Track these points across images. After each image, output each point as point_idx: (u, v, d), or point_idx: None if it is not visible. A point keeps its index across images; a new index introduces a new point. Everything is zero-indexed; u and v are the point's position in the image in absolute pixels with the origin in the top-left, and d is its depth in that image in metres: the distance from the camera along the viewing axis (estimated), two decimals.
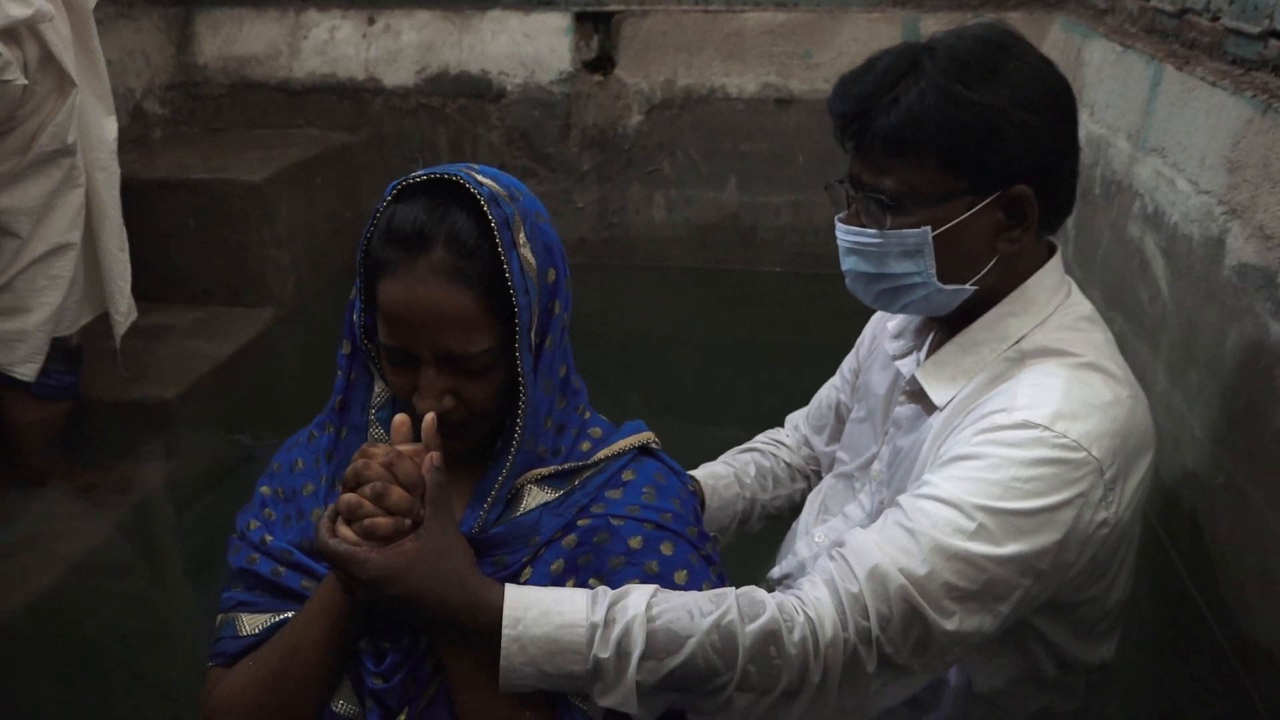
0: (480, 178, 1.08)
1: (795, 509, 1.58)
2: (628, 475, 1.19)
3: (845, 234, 1.22)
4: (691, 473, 1.49)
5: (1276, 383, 1.45)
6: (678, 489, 1.20)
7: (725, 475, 1.56)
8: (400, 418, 1.08)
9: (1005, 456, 1.07)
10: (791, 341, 2.98)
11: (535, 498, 1.15)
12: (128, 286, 2.30)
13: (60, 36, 1.99)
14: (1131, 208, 2.16)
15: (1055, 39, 3.01)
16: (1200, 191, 1.82)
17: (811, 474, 1.61)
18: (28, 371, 2.14)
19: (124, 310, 2.30)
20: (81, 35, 2.12)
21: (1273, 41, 1.77)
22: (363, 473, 1.02)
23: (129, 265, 2.29)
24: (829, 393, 1.59)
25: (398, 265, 1.05)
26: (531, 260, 1.09)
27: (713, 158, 3.25)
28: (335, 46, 3.29)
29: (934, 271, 1.17)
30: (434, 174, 1.07)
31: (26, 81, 1.92)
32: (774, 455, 1.62)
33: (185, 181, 2.80)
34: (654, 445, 1.25)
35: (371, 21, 3.29)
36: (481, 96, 3.27)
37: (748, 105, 3.19)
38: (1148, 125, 2.14)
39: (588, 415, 1.25)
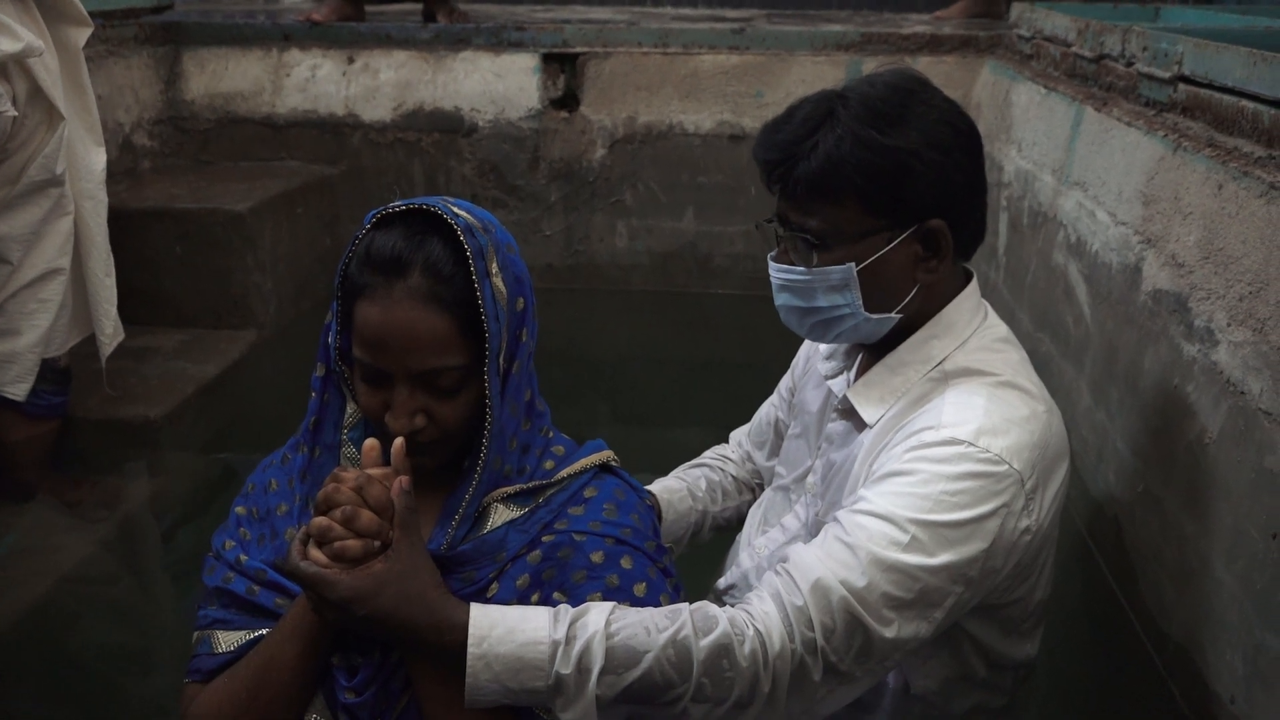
0: (456, 209, 1.08)
1: (743, 520, 1.58)
2: (589, 492, 1.18)
3: (777, 272, 1.23)
4: (649, 488, 1.48)
5: (1188, 399, 1.47)
6: (636, 504, 1.20)
7: (679, 490, 1.55)
8: (370, 442, 1.07)
9: (934, 472, 1.08)
10: (743, 360, 2.98)
11: (501, 515, 1.14)
12: (113, 310, 2.25)
13: (49, 71, 1.95)
14: (1056, 237, 2.18)
15: (985, 81, 3.05)
16: (1118, 223, 1.84)
17: (755, 487, 1.62)
18: (19, 391, 2.09)
19: (109, 332, 2.25)
20: (71, 70, 2.08)
21: (1182, 86, 1.80)
22: (333, 497, 1.01)
23: (115, 290, 2.24)
24: (768, 410, 1.60)
25: (376, 288, 1.04)
26: (503, 289, 1.09)
27: (671, 189, 3.25)
28: (316, 84, 3.26)
29: (861, 303, 1.19)
30: (412, 204, 1.07)
31: (16, 114, 1.87)
32: (722, 470, 1.62)
33: (172, 210, 2.75)
34: (613, 463, 1.24)
35: (351, 61, 3.26)
36: (454, 131, 3.24)
37: (704, 141, 3.20)
38: (1070, 161, 2.16)
39: (551, 435, 1.24)
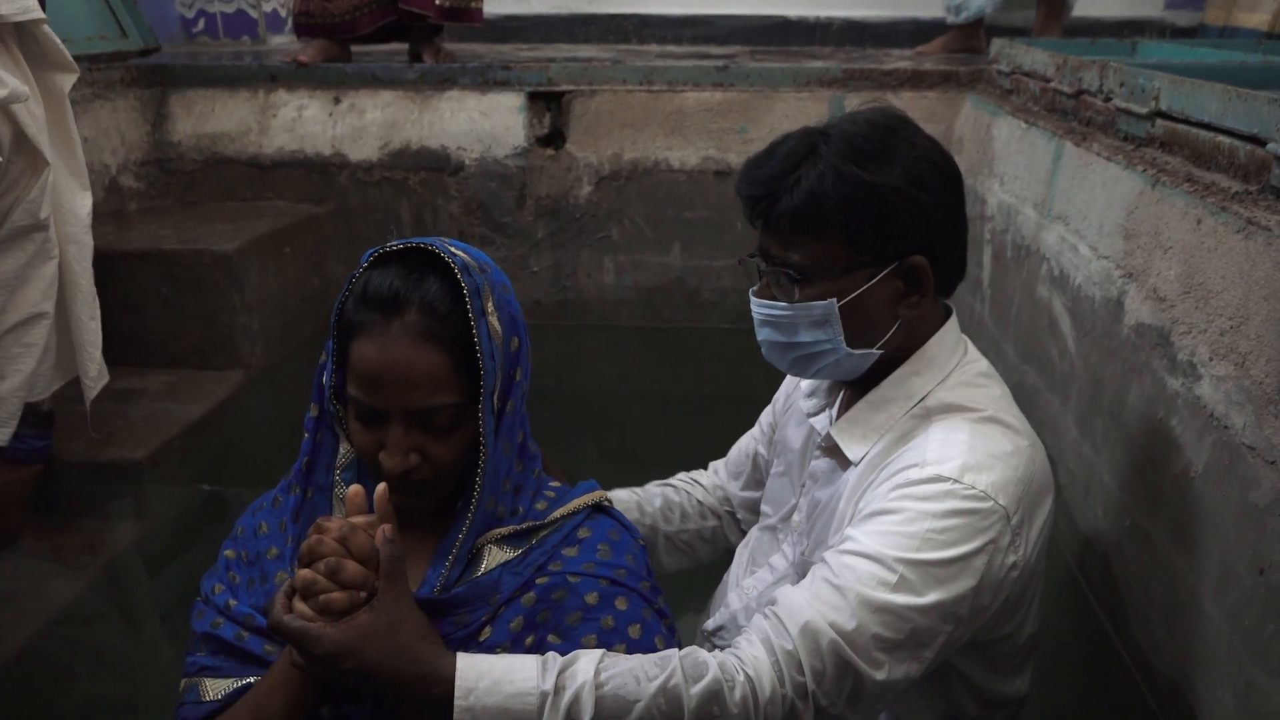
0: (453, 249, 1.09)
1: (705, 544, 1.58)
2: (583, 533, 1.18)
3: (758, 307, 1.24)
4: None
5: (1172, 433, 1.47)
6: (630, 545, 1.20)
7: (627, 500, 1.55)
8: (355, 489, 1.07)
9: (920, 510, 1.08)
10: (732, 394, 2.98)
11: (495, 557, 1.14)
12: (98, 353, 2.24)
13: (35, 118, 1.96)
14: (1040, 270, 2.20)
15: (967, 115, 3.08)
16: (1100, 256, 1.86)
17: (724, 514, 1.61)
18: (1, 436, 2.07)
19: (94, 375, 2.23)
20: (56, 116, 2.09)
21: (1159, 121, 1.82)
22: (316, 548, 1.00)
23: (100, 332, 2.24)
24: (747, 443, 1.60)
25: (372, 326, 1.05)
26: (498, 328, 1.10)
27: (658, 225, 3.27)
28: (303, 124, 3.27)
29: (843, 339, 1.19)
30: (409, 244, 1.08)
31: (1, 159, 1.87)
32: (687, 492, 1.62)
33: (158, 252, 2.75)
34: (606, 503, 1.24)
35: (338, 101, 3.28)
36: (441, 170, 3.26)
37: (689, 177, 3.22)
38: (1051, 195, 2.19)
39: (539, 475, 1.24)
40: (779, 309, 1.20)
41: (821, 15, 4.64)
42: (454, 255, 1.08)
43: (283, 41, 4.64)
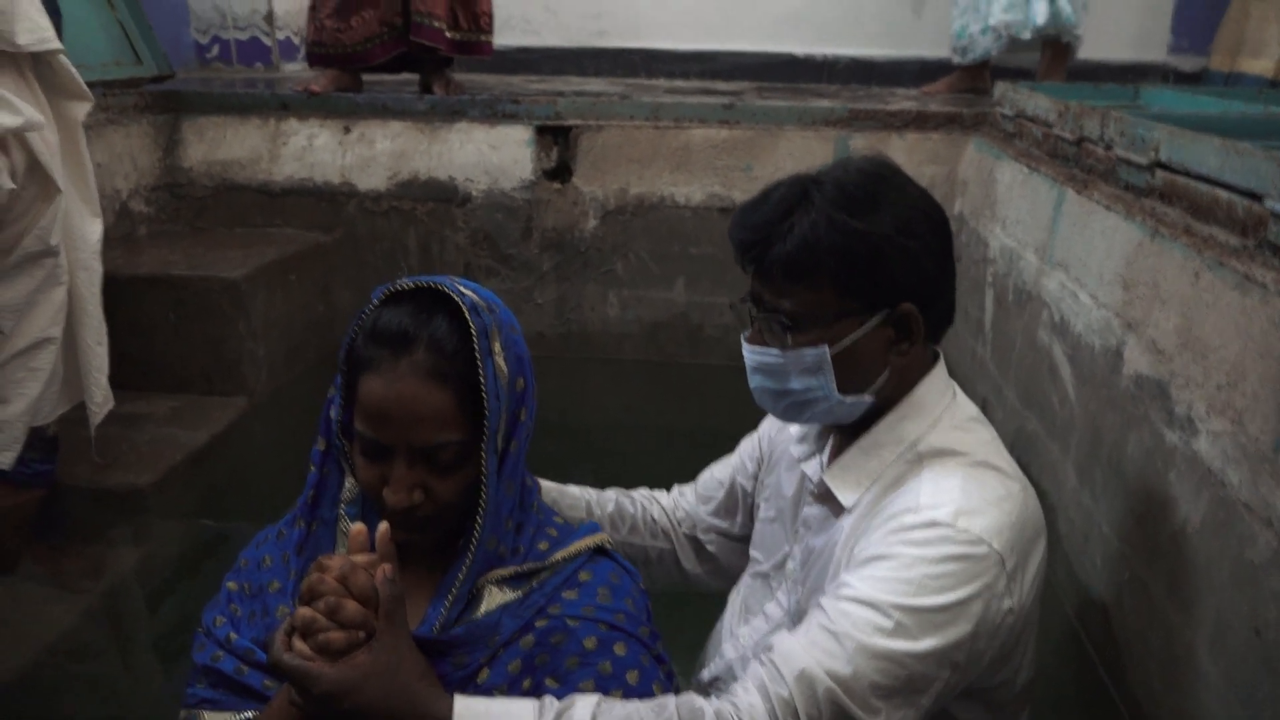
0: (462, 288, 1.11)
1: (649, 565, 1.57)
2: (584, 576, 1.20)
3: (751, 353, 1.26)
4: (544, 482, 1.45)
5: (1170, 487, 1.48)
6: (630, 588, 1.21)
7: (578, 497, 1.55)
8: (357, 527, 1.08)
9: (916, 555, 1.09)
10: (731, 429, 2.97)
11: (495, 599, 1.15)
12: (104, 379, 2.25)
13: (48, 145, 1.98)
14: (1041, 316, 2.22)
15: (970, 158, 3.11)
16: (1100, 305, 1.87)
17: (679, 537, 1.60)
18: (5, 460, 2.08)
19: (99, 401, 2.25)
20: (70, 143, 2.11)
21: (1159, 172, 1.84)
22: (317, 587, 1.01)
23: (106, 358, 2.25)
24: (722, 470, 1.59)
25: (381, 363, 1.07)
26: (504, 368, 1.12)
27: (663, 260, 3.29)
28: (313, 153, 3.31)
29: (834, 385, 1.21)
30: (419, 282, 1.10)
31: (14, 186, 1.90)
32: (643, 506, 1.61)
33: (167, 277, 2.77)
34: (607, 546, 1.25)
35: (348, 130, 3.32)
36: (449, 201, 3.29)
37: (694, 213, 3.25)
38: (1053, 242, 2.21)
39: (541, 513, 1.26)
40: (771, 355, 1.21)
41: (828, 53, 4.69)
42: (463, 295, 1.10)
43: (295, 69, 4.69)
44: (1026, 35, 3.79)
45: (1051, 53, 3.87)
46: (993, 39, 3.88)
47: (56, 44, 1.92)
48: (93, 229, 2.20)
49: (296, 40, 4.74)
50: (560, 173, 3.29)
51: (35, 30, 1.84)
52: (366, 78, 3.57)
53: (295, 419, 3.03)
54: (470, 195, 3.28)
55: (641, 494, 1.65)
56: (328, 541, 1.24)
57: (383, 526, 1.06)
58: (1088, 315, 1.93)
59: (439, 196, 3.29)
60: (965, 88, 4.17)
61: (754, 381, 1.27)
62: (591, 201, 3.27)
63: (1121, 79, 4.49)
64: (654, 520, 1.60)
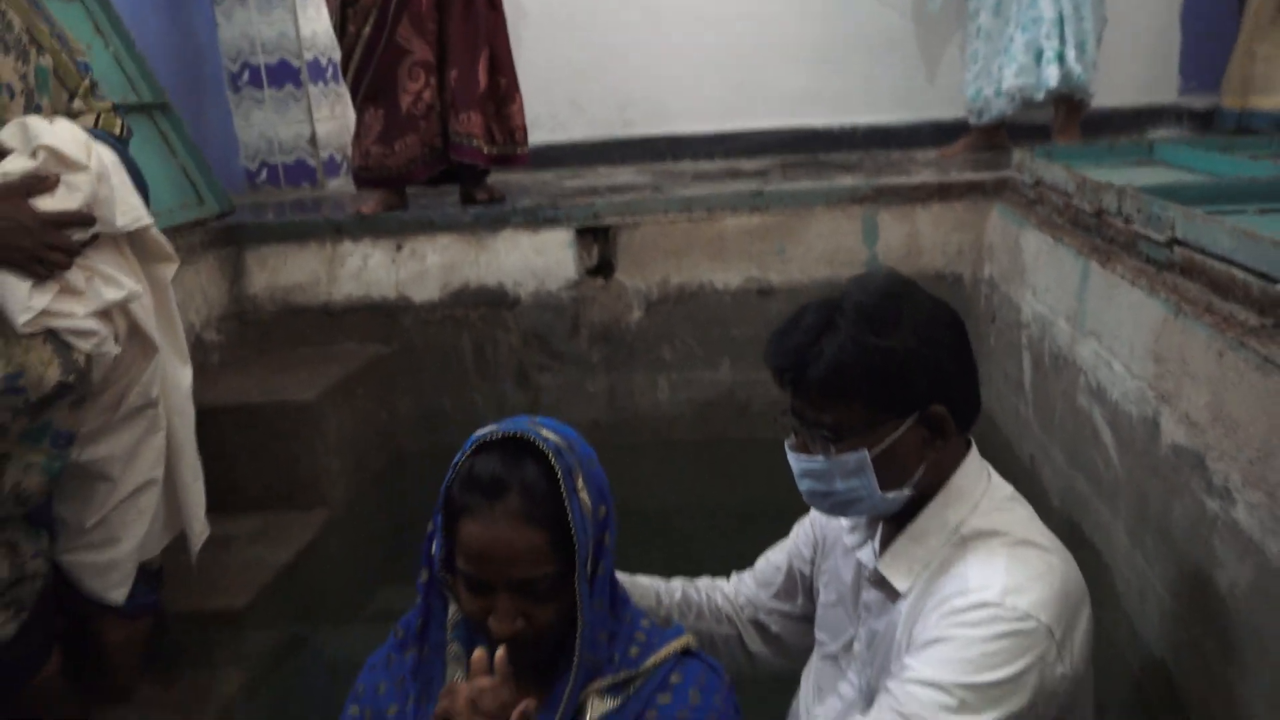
0: (545, 432, 1.27)
1: (714, 649, 1.69)
2: (674, 679, 1.33)
3: (797, 461, 1.40)
4: (617, 573, 1.58)
5: (1215, 552, 1.56)
6: (718, 686, 1.35)
7: (646, 587, 1.69)
8: (480, 654, 1.21)
9: (971, 636, 1.21)
10: (781, 504, 3.07)
11: (597, 709, 1.28)
12: (202, 512, 2.41)
13: (145, 309, 2.16)
14: (1078, 381, 2.31)
15: (995, 224, 3.23)
16: (1134, 376, 1.97)
17: (743, 623, 1.72)
18: (118, 596, 2.23)
19: (198, 532, 2.40)
20: (160, 301, 2.29)
21: (1178, 248, 1.94)
22: (450, 712, 1.14)
23: (203, 492, 2.41)
24: (779, 556, 1.72)
25: (478, 508, 1.22)
26: (588, 502, 1.26)
27: (707, 344, 3.43)
28: (368, 271, 3.50)
29: (876, 484, 1.35)
30: (507, 431, 1.25)
31: (119, 350, 2.07)
32: (707, 595, 1.75)
33: (245, 406, 2.95)
34: (693, 647, 1.38)
35: (399, 248, 3.51)
36: (499, 305, 3.46)
37: (733, 297, 3.39)
38: (1082, 311, 2.31)
39: (630, 619, 1.39)
40: (815, 463, 1.35)
41: (846, 124, 4.85)
42: (546, 440, 1.24)
43: (339, 184, 4.93)
44: (1040, 97, 3.92)
45: (1065, 109, 3.99)
46: (1007, 101, 4.01)
47: (148, 219, 2.10)
48: (184, 376, 2.37)
49: (339, 157, 4.99)
50: (603, 269, 3.45)
51: (130, 212, 2.03)
52: (410, 189, 3.77)
53: (370, 526, 3.19)
54: (519, 298, 3.45)
55: (704, 582, 1.77)
56: (439, 665, 1.38)
57: (500, 652, 1.20)
58: (1123, 385, 2.02)
59: (489, 302, 3.46)
60: (982, 146, 4.31)
61: (802, 485, 1.41)
62: (634, 294, 3.42)
63: (1135, 124, 4.61)
64: (718, 607, 1.73)
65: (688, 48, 4.88)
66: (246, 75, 4.87)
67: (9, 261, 1.85)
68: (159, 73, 3.55)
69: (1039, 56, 3.90)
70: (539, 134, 4.75)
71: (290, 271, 3.55)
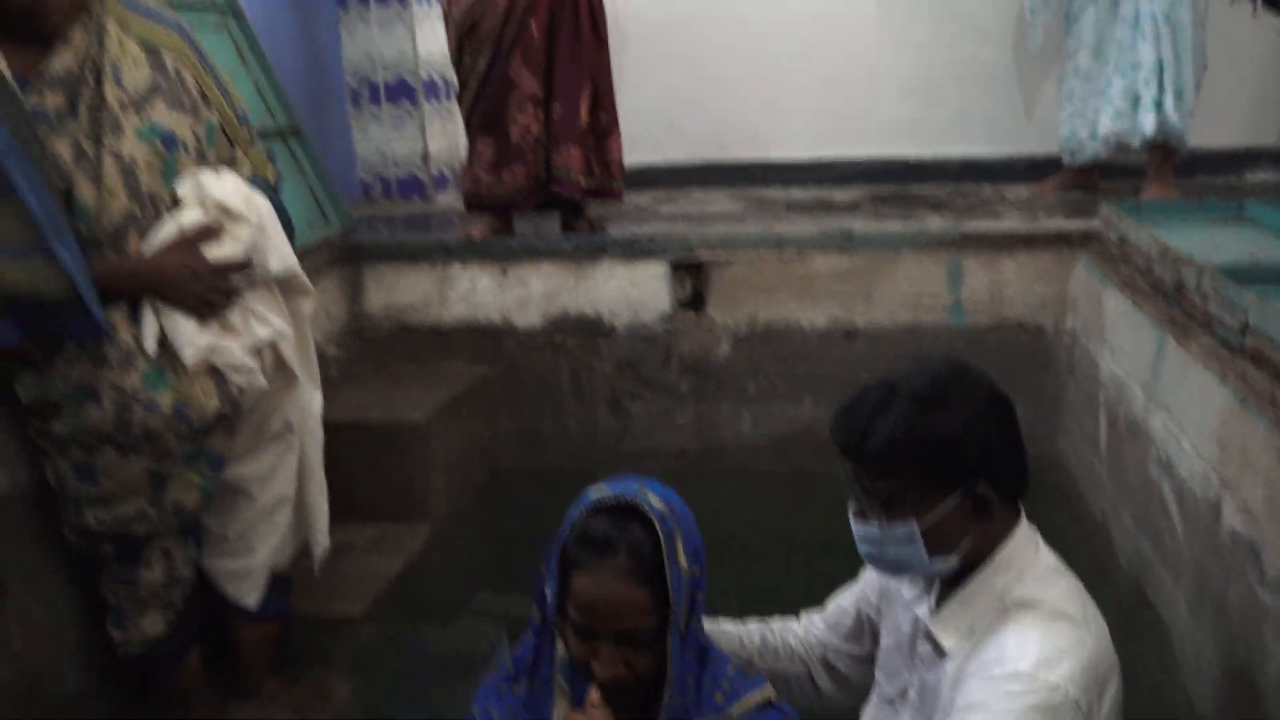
0: (651, 497, 1.46)
1: (787, 685, 1.86)
2: None
3: (856, 527, 1.58)
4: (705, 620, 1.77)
5: (1267, 643, 1.67)
6: None
7: (731, 633, 1.87)
8: (595, 694, 1.42)
9: (1006, 707, 1.39)
10: (852, 539, 3.22)
11: None
12: (325, 525, 2.66)
13: (288, 344, 2.41)
14: (1149, 452, 2.40)
15: (1079, 277, 3.30)
16: (1200, 457, 2.06)
17: (813, 661, 1.89)
18: (252, 600, 2.50)
19: (322, 545, 2.66)
20: (299, 333, 2.53)
21: (1249, 335, 2.02)
22: None
23: (327, 508, 2.67)
24: (848, 599, 1.89)
25: (589, 564, 1.43)
26: (684, 564, 1.46)
27: (791, 380, 3.58)
28: (476, 295, 3.74)
29: (924, 553, 1.51)
30: (618, 496, 1.45)
31: (266, 384, 2.32)
32: (781, 636, 1.94)
33: (363, 423, 3.20)
34: (773, 700, 1.57)
35: (505, 273, 3.73)
36: (595, 334, 3.66)
37: (819, 336, 3.53)
38: (1156, 383, 2.39)
39: (716, 665, 1.59)
40: (871, 529, 1.53)
41: (939, 155, 4.91)
42: (653, 506, 1.44)
43: (447, 198, 5.19)
44: (1135, 144, 3.94)
45: (1160, 156, 4.00)
46: (1101, 145, 4.04)
47: (296, 265, 2.35)
48: (316, 401, 2.62)
49: (448, 173, 5.25)
50: (695, 303, 3.63)
51: (283, 259, 2.27)
52: (516, 214, 3.99)
53: (472, 540, 3.43)
54: (614, 328, 3.65)
55: (778, 624, 1.96)
56: (548, 697, 1.60)
57: (594, 693, 1.41)
58: (1190, 463, 2.11)
59: (586, 330, 3.67)
60: (1074, 186, 4.34)
61: (861, 549, 1.59)
62: (724, 329, 3.59)
63: (1232, 166, 4.59)
64: (791, 648, 1.92)
65: (784, 76, 5.00)
66: (367, 92, 5.15)
67: (181, 304, 2.11)
68: (289, 89, 3.81)
69: (1136, 103, 3.91)
70: (637, 155, 4.92)
71: (404, 291, 3.81)
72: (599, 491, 1.48)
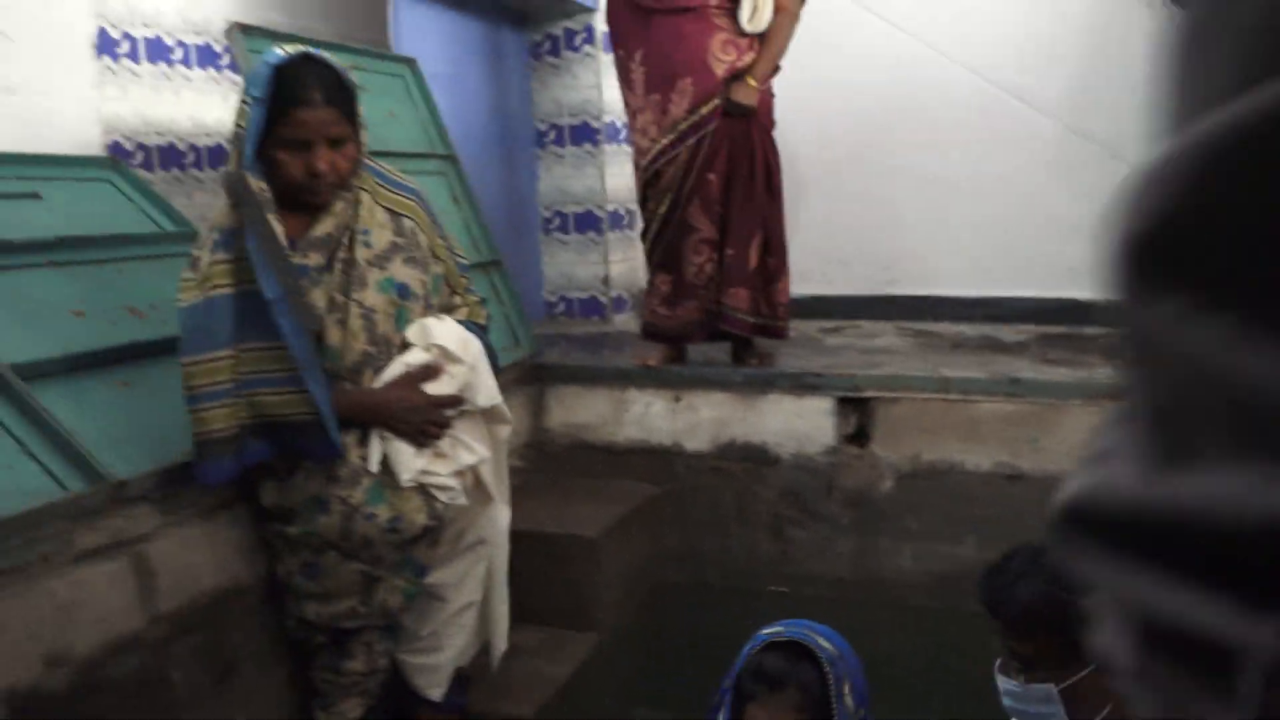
0: (821, 640, 1.61)
1: None
2: None
3: (1001, 682, 1.68)
4: None
5: None
6: None
7: None
8: None
9: None
10: None
11: None
12: (505, 629, 2.89)
13: (487, 467, 2.69)
14: None
15: None
16: None
17: None
18: (437, 694, 2.74)
19: (500, 647, 2.89)
20: (497, 457, 2.83)
21: None
22: None
23: (507, 614, 2.90)
24: None
25: (762, 698, 1.59)
26: (850, 706, 1.59)
27: (953, 520, 3.62)
28: (649, 418, 3.98)
29: (1064, 716, 1.57)
30: (792, 636, 1.60)
31: (467, 502, 2.60)
32: None
33: (541, 534, 3.45)
34: None
35: (677, 400, 3.97)
36: (761, 462, 3.82)
37: (983, 479, 3.57)
38: None
39: None
40: (1013, 686, 1.61)
41: (1110, 298, 4.88)
42: (823, 649, 1.59)
43: (623, 319, 5.53)
44: None
45: None
46: None
47: (500, 398, 2.64)
48: (505, 516, 2.89)
49: (625, 296, 5.61)
50: (859, 438, 3.75)
51: (490, 395, 2.57)
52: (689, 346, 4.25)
53: (632, 649, 3.59)
54: (779, 457, 3.81)
55: None
56: None
57: None
58: None
59: (752, 458, 3.84)
60: None
61: (1004, 702, 1.67)
62: (887, 466, 3.68)
63: None
64: None
65: (955, 214, 5.13)
66: (557, 221, 5.62)
67: (402, 432, 2.42)
68: (490, 222, 4.23)
69: None
70: (807, 286, 5.13)
71: (582, 411, 4.10)
72: (773, 631, 1.65)
